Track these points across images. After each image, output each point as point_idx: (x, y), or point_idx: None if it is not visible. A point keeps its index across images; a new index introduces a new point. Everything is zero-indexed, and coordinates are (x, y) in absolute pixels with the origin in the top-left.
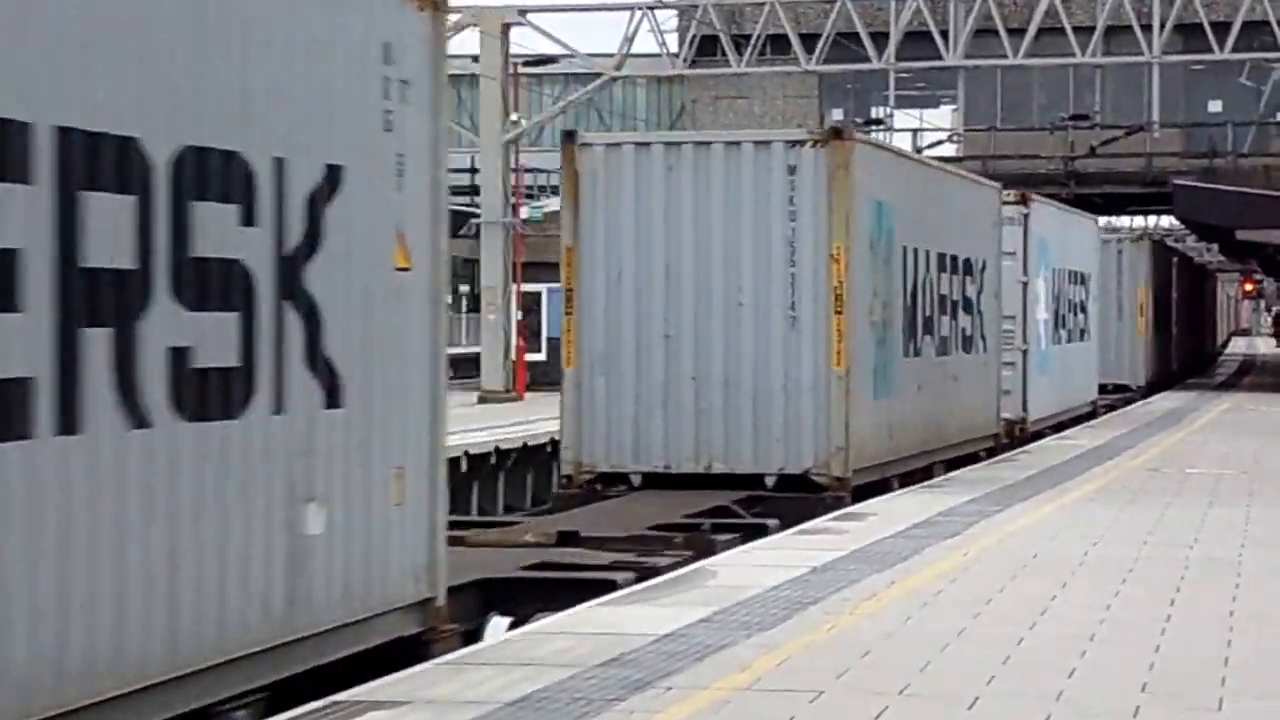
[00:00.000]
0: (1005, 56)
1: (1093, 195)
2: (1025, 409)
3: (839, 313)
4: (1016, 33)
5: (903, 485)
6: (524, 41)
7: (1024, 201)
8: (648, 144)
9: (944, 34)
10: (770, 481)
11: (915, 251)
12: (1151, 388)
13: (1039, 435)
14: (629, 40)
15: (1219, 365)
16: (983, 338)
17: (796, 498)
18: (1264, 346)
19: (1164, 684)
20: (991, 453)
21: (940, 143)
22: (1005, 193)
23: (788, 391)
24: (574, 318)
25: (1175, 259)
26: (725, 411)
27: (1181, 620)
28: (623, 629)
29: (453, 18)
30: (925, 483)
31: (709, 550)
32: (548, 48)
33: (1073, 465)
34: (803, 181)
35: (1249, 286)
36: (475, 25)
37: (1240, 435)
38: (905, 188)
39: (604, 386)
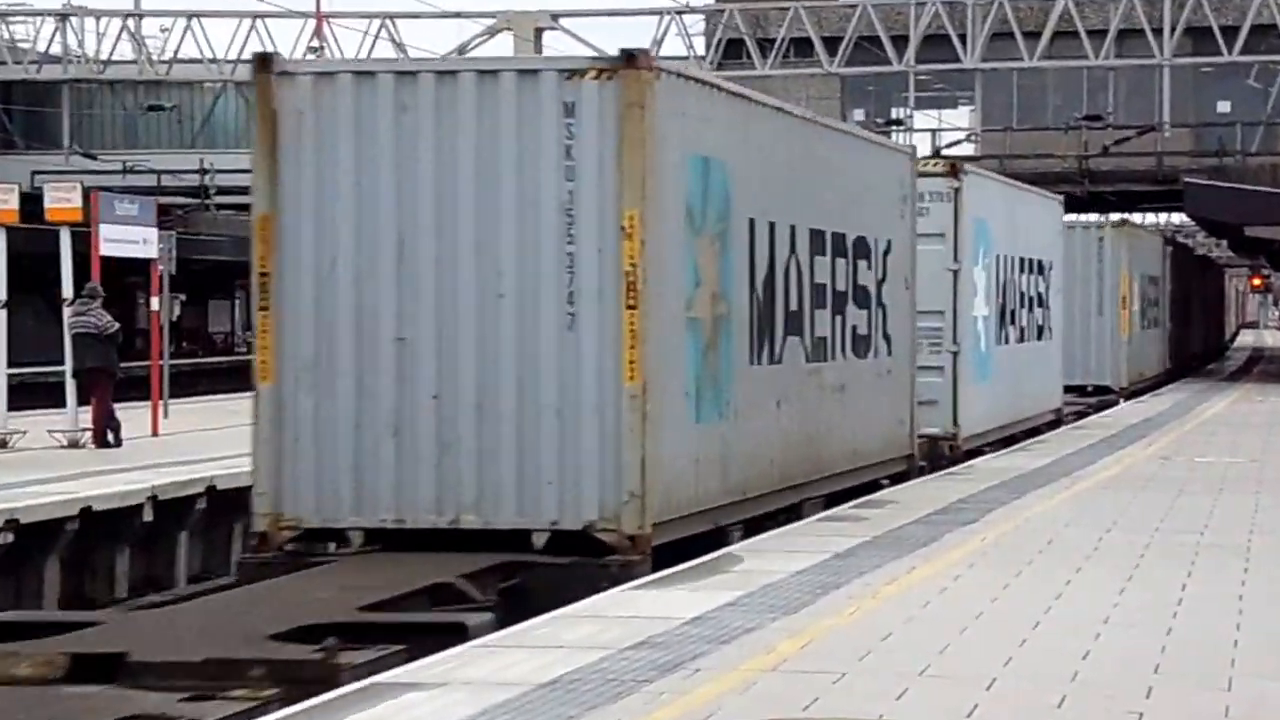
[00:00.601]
0: (1021, 59)
1: (1106, 193)
2: (956, 423)
3: (632, 306)
4: (1032, 36)
5: (750, 535)
6: (556, 44)
7: (954, 173)
8: (372, 73)
9: (962, 37)
10: (539, 541)
11: (773, 227)
12: (1151, 385)
13: (976, 453)
14: (658, 43)
15: (1228, 358)
16: (886, 337)
17: (572, 564)
18: (1271, 339)
19: (1175, 665)
20: (901, 478)
21: (958, 142)
22: (929, 162)
23: (564, 417)
24: (271, 314)
25: (1171, 249)
26: (479, 444)
27: (1192, 604)
28: (652, 613)
29: (487, 22)
30: (941, 472)
31: (328, 681)
32: (579, 51)
33: (1085, 454)
34: (584, 127)
35: (1257, 281)
36: (509, 29)
37: (1246, 431)
38: (754, 141)
39: (313, 409)
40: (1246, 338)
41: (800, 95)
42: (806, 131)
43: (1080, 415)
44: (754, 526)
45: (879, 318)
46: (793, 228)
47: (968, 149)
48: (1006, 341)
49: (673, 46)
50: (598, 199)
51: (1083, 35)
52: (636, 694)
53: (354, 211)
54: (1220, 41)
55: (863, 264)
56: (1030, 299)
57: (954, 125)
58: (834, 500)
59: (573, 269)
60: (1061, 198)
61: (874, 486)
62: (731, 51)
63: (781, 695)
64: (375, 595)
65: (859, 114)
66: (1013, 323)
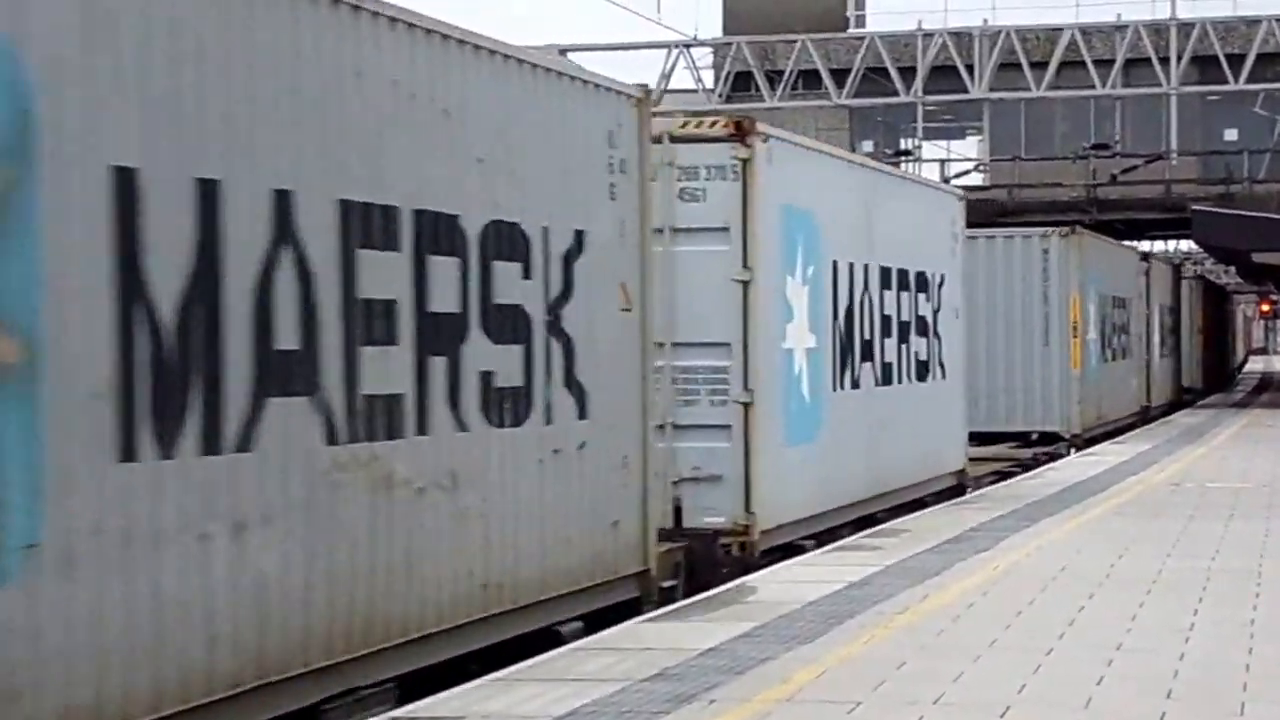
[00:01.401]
0: (1028, 89)
1: (1114, 221)
2: (750, 508)
3: None
4: (1039, 66)
5: None
6: None
7: (741, 136)
8: None
9: (969, 68)
10: None
11: (226, 195)
12: (1119, 428)
13: (792, 550)
14: (666, 76)
15: (1236, 387)
16: (575, 391)
17: None
18: None
19: (1188, 691)
20: (616, 617)
21: (967, 172)
22: (702, 120)
23: None
24: None
25: (1150, 266)
26: None
27: (1204, 630)
28: (665, 644)
29: None
30: (954, 500)
31: None
32: None
33: (1094, 483)
34: None
35: (1265, 307)
36: None
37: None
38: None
39: None
40: (1255, 364)
41: (809, 127)
42: (338, 21)
43: (1003, 476)
44: None
45: (548, 360)
46: (286, 197)
47: (976, 179)
48: (855, 385)
49: (681, 80)
50: None
51: (1089, 65)
52: None
53: None
54: (1226, 70)
55: (507, 269)
56: (903, 325)
57: (963, 156)
58: (412, 692)
59: None
60: (962, 191)
61: (547, 641)
62: (740, 84)
63: None
64: None
65: (868, 145)
66: (868, 358)
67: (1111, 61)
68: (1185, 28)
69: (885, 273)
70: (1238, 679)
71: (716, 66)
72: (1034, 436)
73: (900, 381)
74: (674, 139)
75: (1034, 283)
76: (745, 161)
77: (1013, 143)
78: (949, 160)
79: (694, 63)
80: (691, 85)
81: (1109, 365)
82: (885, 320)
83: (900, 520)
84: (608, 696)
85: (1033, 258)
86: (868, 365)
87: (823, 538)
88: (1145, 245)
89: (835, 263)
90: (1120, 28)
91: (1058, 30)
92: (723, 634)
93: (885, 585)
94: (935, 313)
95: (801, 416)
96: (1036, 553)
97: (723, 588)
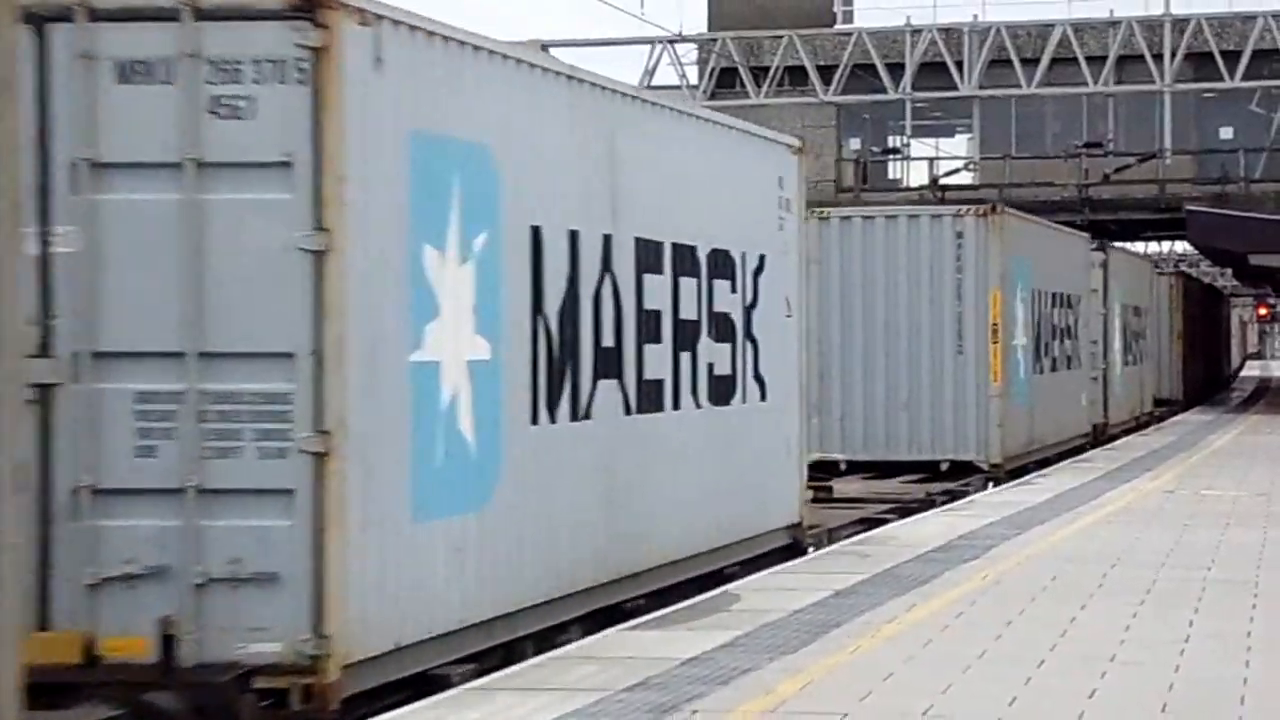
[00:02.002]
0: (1019, 86)
1: (1107, 221)
2: (321, 627)
3: None
4: (1030, 63)
5: None
6: None
7: (310, 11)
8: None
9: (959, 65)
10: None
11: None
12: (1062, 453)
13: (438, 684)
14: (649, 73)
15: (1230, 395)
16: None
17: None
18: (1279, 370)
19: (1183, 704)
20: None
21: (956, 171)
22: None
23: None
24: None
25: (1108, 258)
26: None
27: (1200, 641)
28: (648, 653)
29: None
30: (946, 506)
31: None
32: None
33: (1089, 489)
34: None
35: (1263, 311)
36: None
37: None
38: None
39: None
40: (1251, 370)
41: (795, 124)
42: None
43: (873, 524)
44: None
45: None
46: None
47: (966, 178)
48: (581, 415)
49: (665, 76)
50: None
51: (1081, 62)
52: None
53: None
54: (1221, 67)
55: None
56: (684, 326)
57: (952, 154)
58: None
59: None
60: (797, 141)
61: None
62: (725, 81)
63: None
64: None
65: (855, 143)
66: (612, 374)
67: (1104, 58)
68: (1179, 23)
69: (648, 249)
70: (1234, 692)
71: (701, 63)
72: (943, 467)
73: (678, 406)
74: (201, 14)
75: (945, 274)
76: (320, 53)
77: (1003, 141)
78: (938, 158)
79: (678, 59)
80: (675, 82)
81: (1045, 377)
82: (649, 318)
83: (888, 528)
84: (588, 706)
85: (943, 243)
86: (609, 384)
87: (514, 649)
88: (1140, 246)
89: (538, 229)
90: (1113, 23)
91: (1049, 26)
92: (707, 643)
93: (872, 594)
94: (748, 308)
95: (457, 470)
96: (1028, 561)
97: (706, 595)
